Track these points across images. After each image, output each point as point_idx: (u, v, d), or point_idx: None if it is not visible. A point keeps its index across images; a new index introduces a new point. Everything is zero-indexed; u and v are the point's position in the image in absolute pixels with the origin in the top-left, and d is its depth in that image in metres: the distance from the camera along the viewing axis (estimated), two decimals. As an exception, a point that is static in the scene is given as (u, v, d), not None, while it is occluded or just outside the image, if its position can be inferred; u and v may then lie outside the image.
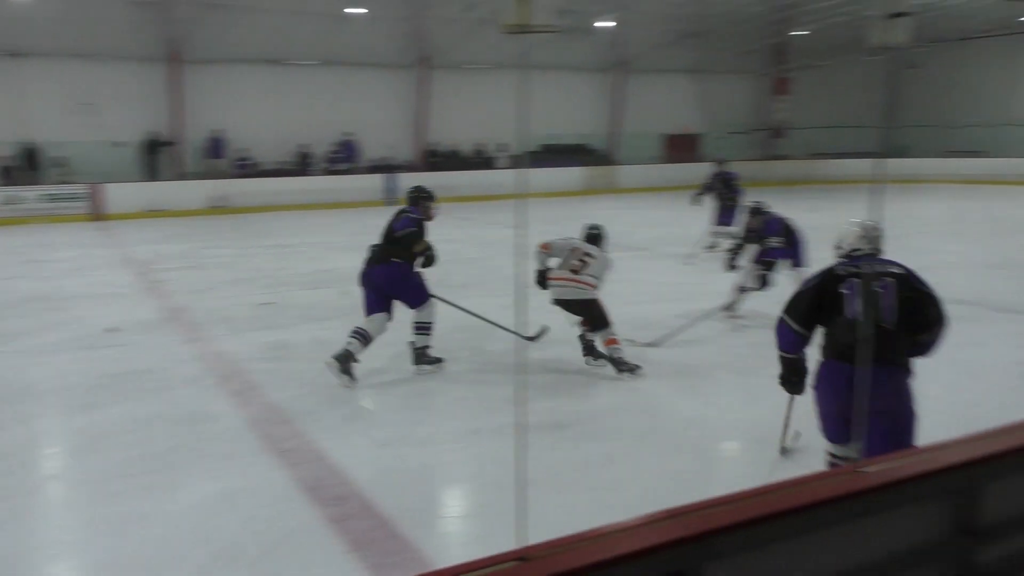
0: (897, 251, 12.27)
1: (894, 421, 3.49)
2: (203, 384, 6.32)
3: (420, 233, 6.45)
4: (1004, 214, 18.21)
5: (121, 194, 19.39)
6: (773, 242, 8.11)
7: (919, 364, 3.65)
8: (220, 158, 22.01)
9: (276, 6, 20.49)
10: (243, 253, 13.52)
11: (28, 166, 19.64)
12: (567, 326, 6.76)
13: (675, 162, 27.65)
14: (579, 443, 4.98)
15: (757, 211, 8.50)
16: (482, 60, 24.35)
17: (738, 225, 10.02)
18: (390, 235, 6.48)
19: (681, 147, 28.58)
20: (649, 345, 7.18)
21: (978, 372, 6.24)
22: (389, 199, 22.19)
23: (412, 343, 6.56)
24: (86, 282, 10.85)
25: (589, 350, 6.66)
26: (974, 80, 28.09)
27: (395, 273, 6.41)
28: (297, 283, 10.55)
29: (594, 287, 6.53)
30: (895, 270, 3.69)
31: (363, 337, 6.24)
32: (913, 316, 3.56)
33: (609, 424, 5.36)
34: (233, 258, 13.07)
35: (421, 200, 6.71)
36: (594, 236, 6.95)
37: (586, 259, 6.62)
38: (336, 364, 6.14)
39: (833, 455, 3.73)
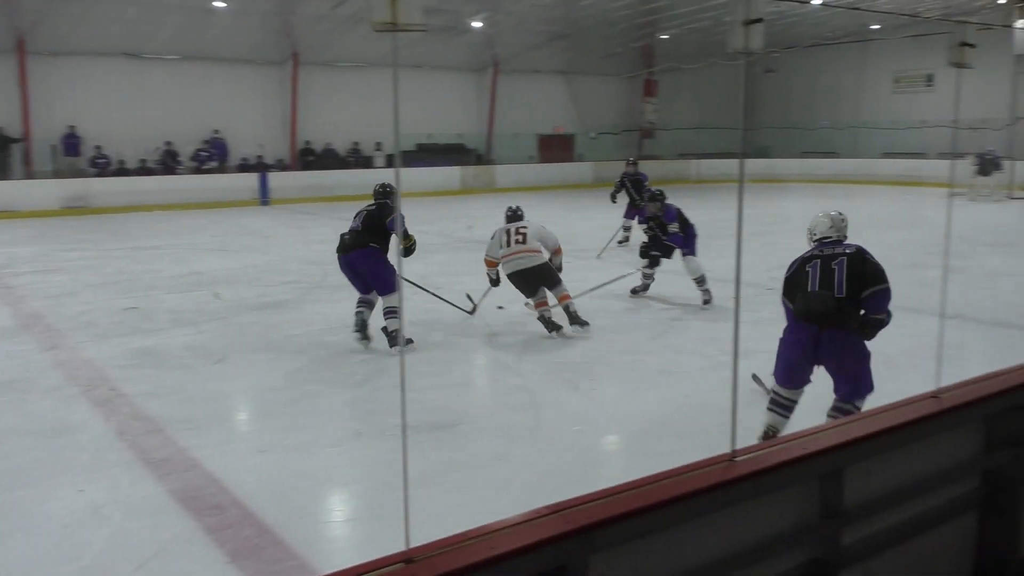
0: (760, 247, 12.93)
1: (854, 366, 4.45)
2: (65, 394, 5.99)
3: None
4: (855, 212, 19.34)
5: (-36, 194, 18.14)
6: (672, 227, 8.73)
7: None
8: (76, 156, 20.85)
9: (134, -4, 19.58)
10: (104, 255, 12.87)
11: None
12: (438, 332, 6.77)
13: (550, 162, 28.12)
14: (464, 442, 5.00)
15: (656, 197, 9.06)
16: (353, 57, 24.03)
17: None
18: (369, 224, 7.00)
19: (555, 147, 29.08)
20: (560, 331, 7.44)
21: (837, 360, 6.61)
22: (262, 199, 21.64)
23: (384, 328, 6.99)
24: (-72, 289, 10.10)
25: (574, 319, 7.43)
26: (827, 84, 29.78)
27: (371, 257, 6.90)
28: (165, 286, 10.13)
29: (540, 252, 7.40)
30: (848, 250, 4.57)
31: (368, 305, 7.04)
32: (860, 283, 4.39)
33: (494, 422, 5.40)
34: (93, 261, 12.41)
35: (390, 194, 7.30)
36: (517, 214, 7.81)
37: (522, 231, 7.47)
38: (359, 334, 6.92)
39: (778, 395, 4.69)
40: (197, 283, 10.25)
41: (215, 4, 20.25)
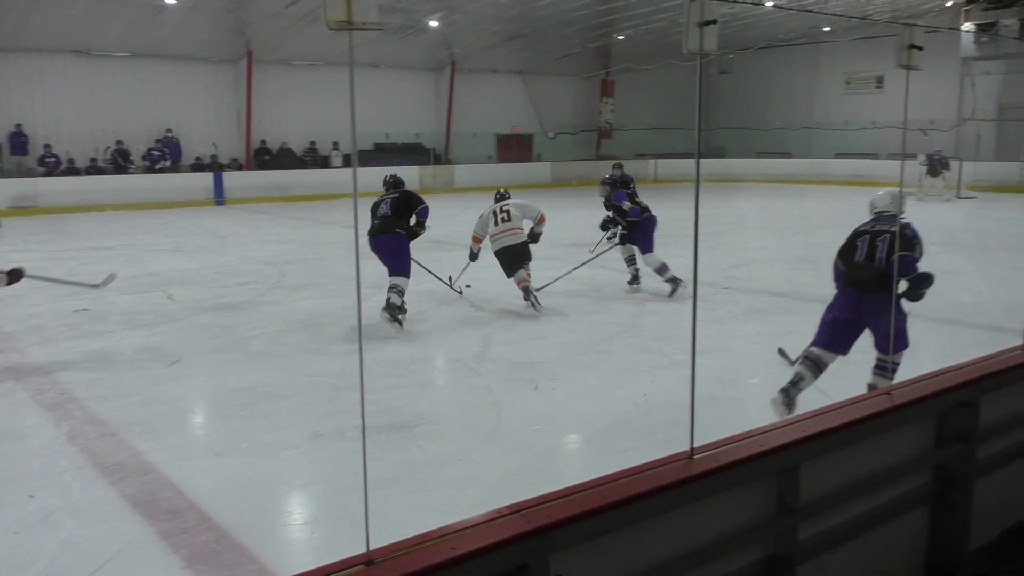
0: (717, 247, 13.11)
1: (883, 327, 4.97)
2: (13, 398, 5.84)
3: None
4: (809, 211, 19.70)
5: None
6: (625, 205, 9.41)
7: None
8: (24, 155, 20.38)
9: (82, -8, 19.18)
10: (54, 256, 12.59)
11: None
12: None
13: (509, 162, 28.15)
14: (425, 442, 4.98)
15: (604, 181, 10.04)
16: (309, 56, 23.82)
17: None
18: (398, 209, 7.94)
19: (514, 147, 29.13)
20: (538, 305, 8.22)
21: (794, 359, 6.70)
22: (217, 199, 21.35)
23: (388, 299, 7.64)
24: None
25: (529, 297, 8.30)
26: (780, 85, 30.24)
27: (397, 242, 7.84)
28: (118, 287, 9.93)
29: (523, 230, 8.45)
30: (894, 228, 5.05)
31: (395, 290, 7.70)
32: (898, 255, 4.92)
33: (454, 422, 5.39)
34: (43, 262, 12.11)
35: (402, 183, 8.48)
36: (504, 196, 8.85)
37: (506, 210, 8.47)
38: (387, 315, 7.42)
39: (808, 359, 5.25)
40: (151, 284, 10.08)
41: (166, 1, 19.91)
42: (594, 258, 10.32)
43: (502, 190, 9.11)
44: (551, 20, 23.77)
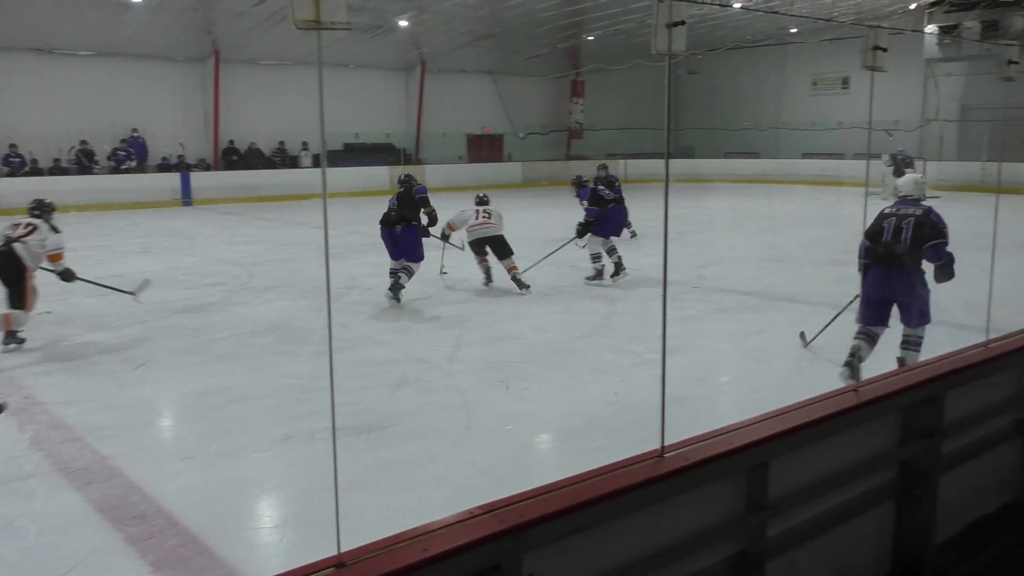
0: (687, 246, 13.16)
1: (916, 300, 5.64)
2: (-25, 404, 5.74)
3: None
4: (776, 211, 19.89)
5: None
6: (584, 205, 10.42)
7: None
8: (-15, 155, 20.03)
9: (44, -11, 18.84)
10: (18, 259, 12.37)
11: None
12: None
13: (479, 162, 28.11)
14: (396, 444, 4.96)
15: (574, 181, 11.55)
16: (277, 55, 23.62)
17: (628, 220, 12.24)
18: (404, 202, 8.90)
19: (484, 147, 29.10)
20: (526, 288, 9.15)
21: (763, 358, 6.78)
22: (185, 199, 21.12)
23: (399, 281, 8.75)
24: None
25: (520, 284, 9.37)
26: (748, 86, 30.51)
27: (411, 233, 8.92)
28: (82, 290, 9.78)
29: (498, 226, 9.56)
30: (918, 212, 5.67)
31: (409, 271, 8.88)
32: (923, 239, 5.56)
33: (425, 423, 5.37)
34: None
35: (413, 178, 9.37)
36: (484, 200, 9.89)
37: (488, 211, 9.65)
38: (390, 293, 8.59)
39: (861, 333, 5.76)
40: (116, 286, 9.94)
41: (132, -1, 19.66)
42: (562, 247, 10.66)
43: (482, 195, 10.06)
44: (521, 20, 23.77)
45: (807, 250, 12.50)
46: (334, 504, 2.16)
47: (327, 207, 2.34)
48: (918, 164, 21.45)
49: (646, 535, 2.56)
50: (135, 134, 22.02)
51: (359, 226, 16.17)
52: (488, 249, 9.55)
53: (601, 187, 10.32)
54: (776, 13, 21.09)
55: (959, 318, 7.52)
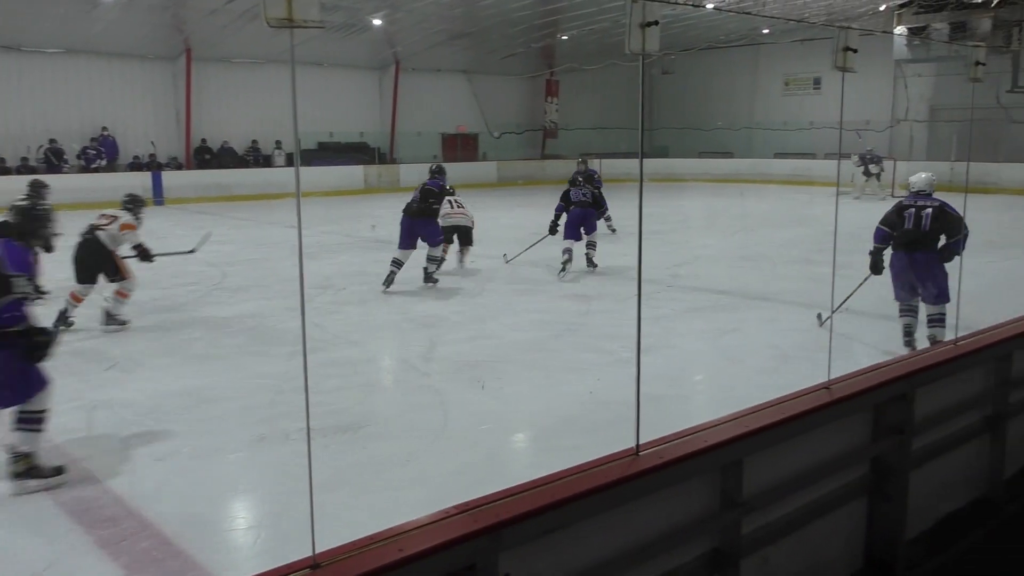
0: (661, 245, 13.20)
1: (934, 280, 6.38)
2: (-58, 407, 5.64)
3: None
4: (749, 210, 20.04)
5: None
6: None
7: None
8: (-49, 154, 19.70)
9: (11, -14, 18.54)
10: (-15, 259, 12.17)
11: None
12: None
13: (454, 161, 28.07)
14: (371, 444, 4.94)
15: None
16: (250, 54, 23.45)
17: (608, 215, 13.26)
18: (427, 196, 9.62)
19: (459, 146, 29.06)
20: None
21: (737, 356, 6.82)
22: (156, 199, 20.89)
23: (425, 268, 9.60)
24: None
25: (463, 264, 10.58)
26: (721, 86, 30.70)
27: (430, 223, 9.60)
28: (51, 289, 9.65)
29: (469, 217, 10.74)
30: (934, 204, 6.44)
31: (399, 264, 9.37)
32: (941, 228, 6.33)
33: (401, 423, 5.35)
34: (-27, 265, 11.73)
35: (443, 171, 10.15)
36: (451, 192, 10.62)
37: (461, 203, 10.76)
38: (384, 286, 9.23)
39: (902, 307, 6.69)
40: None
41: (101, -4, 19.40)
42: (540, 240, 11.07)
43: (451, 188, 10.55)
44: (495, 20, 23.76)
45: (780, 249, 12.61)
46: (309, 505, 2.15)
47: (301, 206, 2.32)
48: (887, 164, 21.71)
49: (621, 533, 2.57)
50: (105, 133, 21.76)
51: (333, 226, 16.12)
52: (455, 237, 10.59)
53: (572, 189, 10.87)
54: (748, 14, 21.27)
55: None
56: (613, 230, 13.98)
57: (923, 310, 6.64)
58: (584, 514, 2.42)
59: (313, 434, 4.90)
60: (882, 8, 22.69)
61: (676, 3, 4.61)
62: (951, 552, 3.78)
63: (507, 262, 11.17)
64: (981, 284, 8.42)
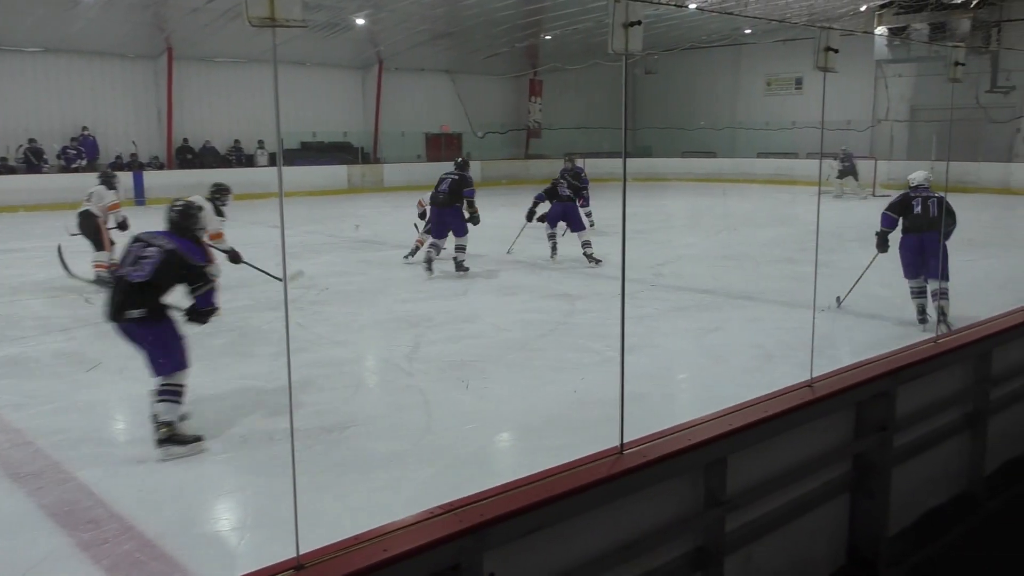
0: (645, 245, 13.22)
1: (938, 259, 7.04)
2: (-80, 409, 5.58)
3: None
4: (732, 209, 20.12)
5: None
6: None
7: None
8: (-71, 153, 19.47)
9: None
10: (-37, 260, 12.06)
11: None
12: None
13: (438, 161, 28.01)
14: (356, 444, 4.93)
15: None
16: (233, 53, 23.31)
17: (589, 210, 13.99)
18: (455, 188, 10.23)
19: (443, 146, 29.01)
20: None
21: (720, 355, 6.85)
22: (138, 199, 20.75)
23: (455, 258, 10.29)
24: None
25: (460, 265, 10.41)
26: (704, 86, 30.81)
27: (455, 211, 10.24)
28: (31, 291, 9.59)
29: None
30: (937, 195, 7.36)
31: (437, 248, 10.26)
32: (943, 214, 6.91)
33: (385, 423, 5.34)
34: (-49, 266, 11.62)
35: (468, 165, 10.93)
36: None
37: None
38: (425, 264, 10.08)
39: (913, 291, 7.53)
40: (67, 288, 9.73)
41: (81, -6, 19.21)
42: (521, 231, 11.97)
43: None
44: (478, 19, 23.74)
45: (762, 249, 12.67)
46: (293, 506, 2.14)
47: (284, 207, 2.32)
48: (869, 164, 21.88)
49: (606, 532, 2.58)
50: (85, 132, 21.58)
51: (317, 225, 16.05)
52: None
53: (560, 182, 11.51)
54: (730, 14, 21.36)
55: (911, 314, 7.68)
56: (592, 224, 14.40)
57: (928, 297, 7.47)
58: (569, 513, 2.43)
59: (297, 435, 4.87)
60: (863, 9, 22.85)
61: (659, 3, 4.62)
62: (933, 548, 3.81)
63: (508, 252, 11.87)
64: (961, 283, 8.49)
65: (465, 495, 2.33)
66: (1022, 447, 4.94)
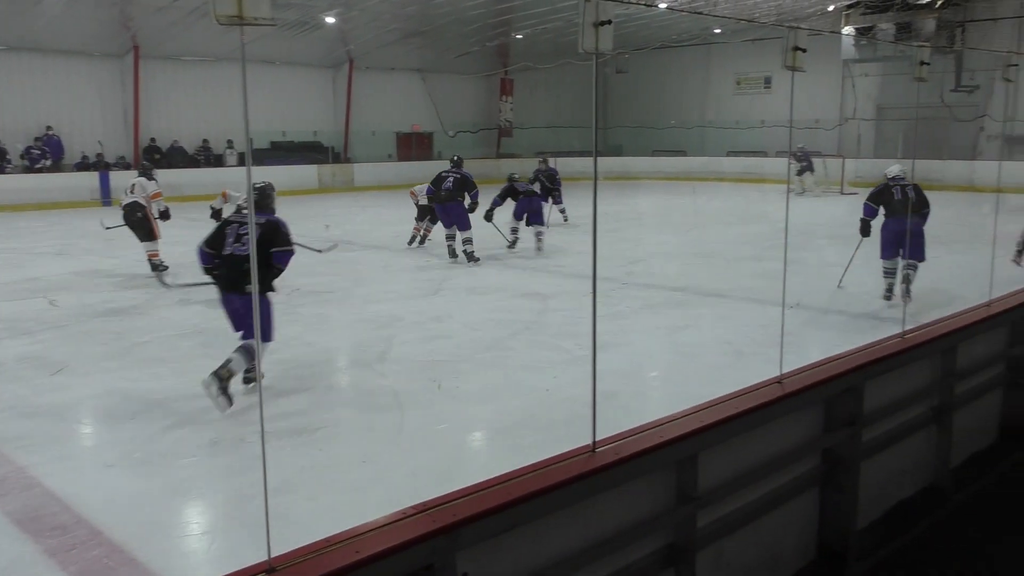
0: (616, 243, 13.26)
1: (917, 240, 8.02)
2: None
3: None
4: (702, 207, 20.26)
5: None
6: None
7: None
8: None
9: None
10: (-76, 262, 11.84)
11: None
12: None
13: (409, 160, 27.93)
14: (327, 446, 4.90)
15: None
16: (200, 51, 23.08)
17: (563, 206, 15.32)
18: (459, 187, 11.09)
19: (414, 145, 28.93)
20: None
21: (691, 352, 6.90)
22: (104, 199, 20.47)
23: (465, 250, 11.04)
24: None
25: (469, 256, 11.15)
26: (674, 85, 30.99)
27: (459, 207, 11.12)
28: (-4, 294, 9.42)
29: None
30: (912, 183, 8.19)
31: (453, 238, 11.24)
32: (920, 200, 7.93)
33: (358, 424, 5.32)
34: (-88, 269, 11.40)
35: (462, 162, 11.66)
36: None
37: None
38: (451, 252, 11.20)
39: (886, 270, 8.29)
40: (32, 290, 9.59)
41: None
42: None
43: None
44: (449, 18, 23.69)
45: (732, 246, 12.76)
46: (264, 509, 2.12)
47: (253, 207, 2.29)
48: (836, 161, 22.15)
49: (578, 530, 2.58)
50: (50, 132, 21.26)
51: (289, 225, 15.88)
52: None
53: (518, 183, 12.58)
54: (700, 14, 21.49)
55: (878, 310, 7.78)
56: (565, 219, 15.38)
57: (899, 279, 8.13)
58: (541, 512, 2.43)
59: (268, 437, 4.83)
60: (830, 9, 23.10)
61: (629, 3, 4.64)
62: (901, 540, 3.86)
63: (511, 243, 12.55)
64: (927, 279, 8.62)
65: (438, 495, 2.32)
66: (987, 440, 5.03)
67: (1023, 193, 16.88)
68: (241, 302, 5.64)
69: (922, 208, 8.11)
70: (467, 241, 11.10)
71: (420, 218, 12.68)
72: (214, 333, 7.55)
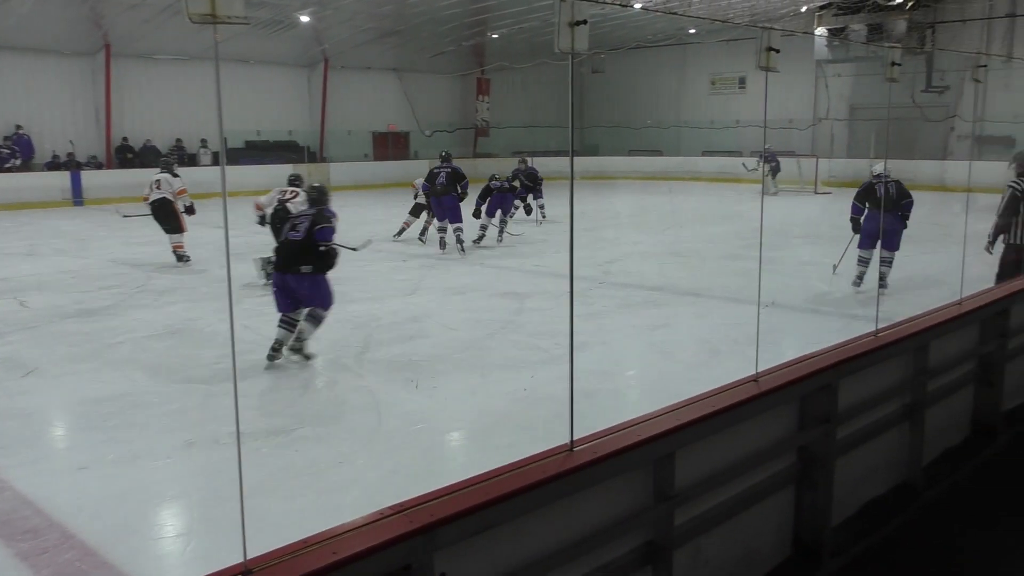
0: (592, 243, 13.28)
1: (895, 233, 8.61)
2: None
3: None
4: (678, 207, 20.37)
5: None
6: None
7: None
8: None
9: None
10: None
11: None
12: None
13: (385, 160, 27.83)
14: (304, 447, 4.87)
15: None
16: (173, 50, 22.85)
17: (542, 202, 15.92)
18: (452, 180, 11.81)
19: (390, 145, 28.83)
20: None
21: (668, 351, 6.93)
22: (76, 199, 20.23)
23: (457, 236, 11.77)
24: None
25: (459, 242, 11.99)
26: (650, 85, 31.12)
27: (455, 201, 11.87)
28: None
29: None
30: (895, 180, 8.71)
31: (445, 230, 11.97)
32: (901, 196, 8.62)
33: (334, 425, 5.29)
34: None
35: (451, 157, 12.32)
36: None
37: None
38: (441, 243, 12.01)
39: (862, 255, 8.78)
40: (1, 290, 9.45)
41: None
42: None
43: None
44: (424, 18, 23.64)
45: (708, 245, 12.84)
46: (240, 510, 2.11)
47: (228, 206, 2.27)
48: (810, 161, 22.38)
49: (556, 530, 2.58)
50: (19, 131, 20.96)
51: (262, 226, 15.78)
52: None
53: (493, 183, 13.05)
54: (675, 14, 21.61)
55: (851, 308, 7.86)
56: (544, 216, 15.77)
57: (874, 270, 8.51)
58: (519, 511, 2.43)
59: (244, 438, 4.80)
60: (803, 10, 23.30)
61: (604, 3, 4.65)
62: (875, 537, 3.90)
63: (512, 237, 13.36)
64: (900, 278, 8.73)
65: (415, 495, 2.31)
66: (959, 437, 5.09)
67: (993, 193, 17.10)
68: (296, 281, 6.37)
69: (902, 199, 8.63)
70: (459, 230, 11.89)
71: (415, 213, 13.18)
72: (189, 333, 7.49)
